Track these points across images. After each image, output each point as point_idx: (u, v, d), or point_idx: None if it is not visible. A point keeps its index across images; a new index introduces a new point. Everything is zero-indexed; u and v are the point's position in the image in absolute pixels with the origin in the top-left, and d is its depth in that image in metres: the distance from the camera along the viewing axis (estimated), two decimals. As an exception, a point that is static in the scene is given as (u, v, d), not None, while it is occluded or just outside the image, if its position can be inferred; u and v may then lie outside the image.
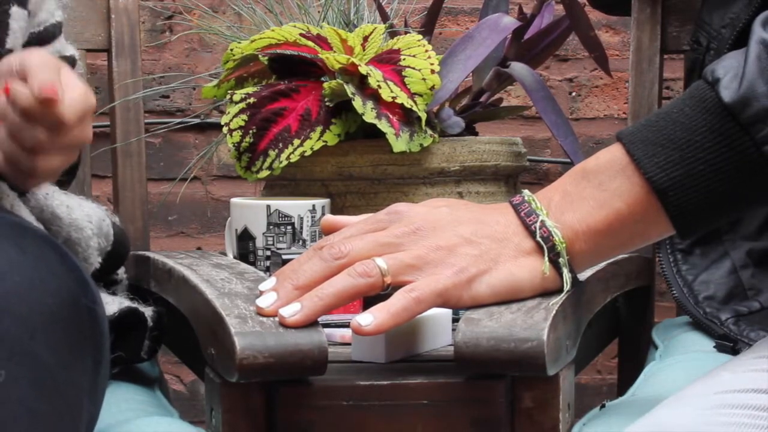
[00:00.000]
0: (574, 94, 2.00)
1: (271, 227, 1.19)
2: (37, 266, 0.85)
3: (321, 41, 1.27)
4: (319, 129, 1.24)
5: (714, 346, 1.16)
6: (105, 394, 0.93)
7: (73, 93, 0.91)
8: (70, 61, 1.17)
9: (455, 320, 1.00)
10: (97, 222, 1.12)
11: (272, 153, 1.23)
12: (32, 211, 1.05)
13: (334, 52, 1.26)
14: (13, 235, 0.86)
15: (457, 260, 0.90)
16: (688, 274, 1.23)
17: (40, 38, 1.12)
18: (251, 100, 1.24)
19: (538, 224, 0.92)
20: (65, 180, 1.16)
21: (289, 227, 1.18)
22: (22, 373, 0.78)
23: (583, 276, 0.99)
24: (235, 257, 1.20)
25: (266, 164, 1.23)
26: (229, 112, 1.24)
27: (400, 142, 1.20)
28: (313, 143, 1.23)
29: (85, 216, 1.10)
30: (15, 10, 1.05)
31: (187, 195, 1.96)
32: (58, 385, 0.81)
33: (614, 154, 0.92)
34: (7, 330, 0.79)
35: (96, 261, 1.11)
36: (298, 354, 0.84)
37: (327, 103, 1.24)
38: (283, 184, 1.30)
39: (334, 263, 0.90)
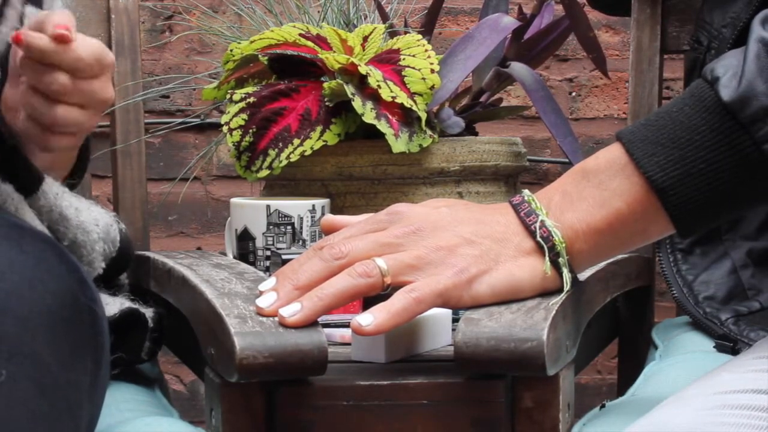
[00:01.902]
0: (574, 94, 2.00)
1: (271, 227, 1.19)
2: (36, 266, 0.85)
3: (321, 41, 1.27)
4: (319, 129, 1.24)
5: (714, 346, 1.16)
6: (105, 394, 0.93)
7: (88, 39, 0.93)
8: None
9: (455, 320, 1.00)
10: (104, 227, 1.12)
11: (272, 152, 1.23)
12: (41, 209, 1.05)
13: (334, 52, 1.26)
14: (13, 236, 0.86)
15: (457, 260, 0.90)
16: (688, 274, 1.23)
17: None
18: (251, 99, 1.24)
19: (537, 224, 0.92)
20: (74, 182, 1.16)
21: (289, 227, 1.18)
22: (23, 373, 0.78)
23: (583, 276, 0.99)
24: (235, 257, 1.20)
25: (266, 164, 1.23)
26: (229, 112, 1.24)
27: (399, 142, 1.20)
28: (313, 143, 1.23)
29: (92, 220, 1.10)
30: (30, 10, 1.06)
31: (187, 195, 1.96)
32: (58, 385, 0.81)
33: (614, 153, 0.92)
34: (7, 330, 0.79)
35: (100, 266, 1.10)
36: (298, 354, 0.84)
37: (327, 103, 1.24)
38: (283, 184, 1.30)
39: (334, 263, 0.90)
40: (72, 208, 1.08)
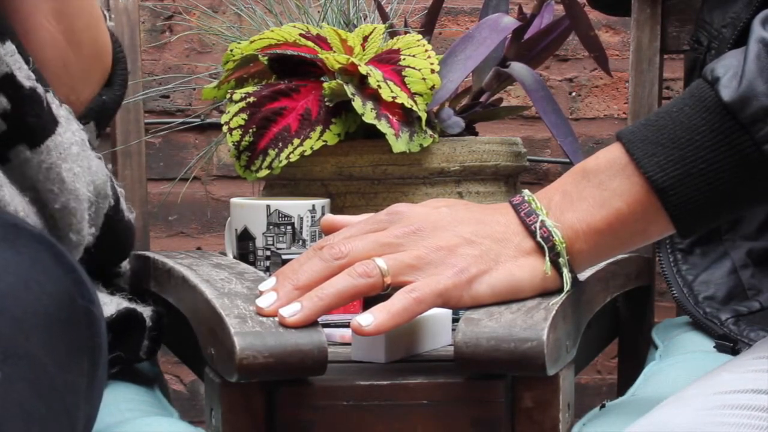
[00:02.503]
0: (574, 94, 2.00)
1: (271, 227, 1.19)
2: (32, 267, 0.84)
3: (321, 41, 1.27)
4: (319, 129, 1.24)
5: (714, 346, 1.16)
6: (104, 394, 0.93)
7: None
8: None
9: (455, 320, 1.00)
10: (96, 190, 1.08)
11: (272, 152, 1.23)
12: (40, 165, 1.02)
13: (334, 52, 1.26)
14: (8, 236, 0.86)
15: (457, 260, 0.90)
16: (688, 274, 1.23)
17: None
18: (251, 99, 1.24)
19: (538, 224, 0.92)
20: (104, 99, 1.14)
21: (288, 227, 1.18)
22: (18, 374, 0.78)
23: (583, 276, 0.99)
24: (235, 257, 1.20)
25: (266, 163, 1.23)
26: (229, 111, 1.24)
27: (399, 142, 1.20)
28: (313, 143, 1.23)
29: (87, 191, 1.07)
30: None
31: (187, 195, 1.96)
32: (54, 386, 0.81)
33: (614, 153, 0.92)
34: (2, 331, 0.78)
35: (88, 233, 1.07)
36: (298, 354, 0.84)
37: (327, 103, 1.24)
38: (283, 184, 1.30)
39: (334, 263, 0.90)
40: (71, 172, 1.06)
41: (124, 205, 1.14)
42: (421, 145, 1.22)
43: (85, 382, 0.86)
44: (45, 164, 1.02)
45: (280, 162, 1.23)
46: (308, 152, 1.23)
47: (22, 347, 0.79)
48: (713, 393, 0.79)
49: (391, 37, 1.30)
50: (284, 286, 0.89)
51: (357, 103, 1.20)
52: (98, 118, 1.13)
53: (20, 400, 0.77)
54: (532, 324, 0.85)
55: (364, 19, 1.40)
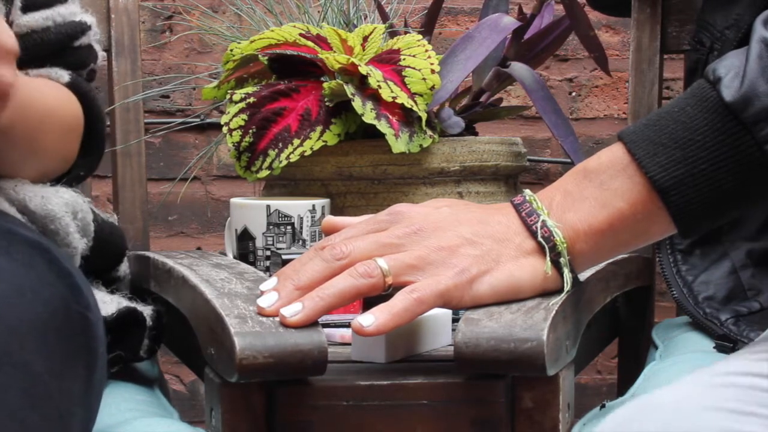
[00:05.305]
0: (574, 94, 2.00)
1: (271, 227, 1.19)
2: (26, 274, 0.84)
3: (321, 41, 1.27)
4: (319, 129, 1.24)
5: (714, 347, 1.16)
6: (104, 394, 0.93)
7: None
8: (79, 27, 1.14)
9: (455, 320, 1.00)
10: (74, 211, 1.08)
11: (272, 153, 1.23)
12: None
13: (334, 52, 1.26)
14: (2, 242, 0.85)
15: (458, 261, 0.90)
16: (688, 275, 1.23)
17: None
18: (251, 99, 1.24)
19: (539, 224, 0.92)
20: (81, 174, 1.13)
21: (288, 227, 1.18)
22: (12, 382, 0.77)
23: (583, 276, 0.99)
24: (235, 257, 1.20)
25: (266, 164, 1.23)
26: (229, 112, 1.24)
27: (399, 142, 1.20)
28: (312, 143, 1.23)
29: (62, 203, 1.06)
30: None
31: (187, 195, 1.96)
32: (49, 394, 0.80)
33: (615, 153, 0.92)
34: None
35: (80, 243, 1.06)
36: (298, 354, 0.84)
37: (327, 103, 1.24)
38: (283, 184, 1.30)
39: (336, 264, 0.90)
40: (38, 197, 1.04)
41: (99, 211, 1.14)
42: (420, 145, 1.22)
43: (81, 387, 0.86)
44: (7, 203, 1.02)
45: (280, 162, 1.23)
46: (308, 152, 1.23)
47: (16, 355, 0.78)
48: (708, 376, 0.78)
49: (391, 37, 1.30)
50: (285, 286, 0.89)
51: (357, 103, 1.20)
52: (74, 182, 1.12)
53: (13, 409, 0.76)
54: (532, 324, 0.85)
55: (364, 19, 1.40)
